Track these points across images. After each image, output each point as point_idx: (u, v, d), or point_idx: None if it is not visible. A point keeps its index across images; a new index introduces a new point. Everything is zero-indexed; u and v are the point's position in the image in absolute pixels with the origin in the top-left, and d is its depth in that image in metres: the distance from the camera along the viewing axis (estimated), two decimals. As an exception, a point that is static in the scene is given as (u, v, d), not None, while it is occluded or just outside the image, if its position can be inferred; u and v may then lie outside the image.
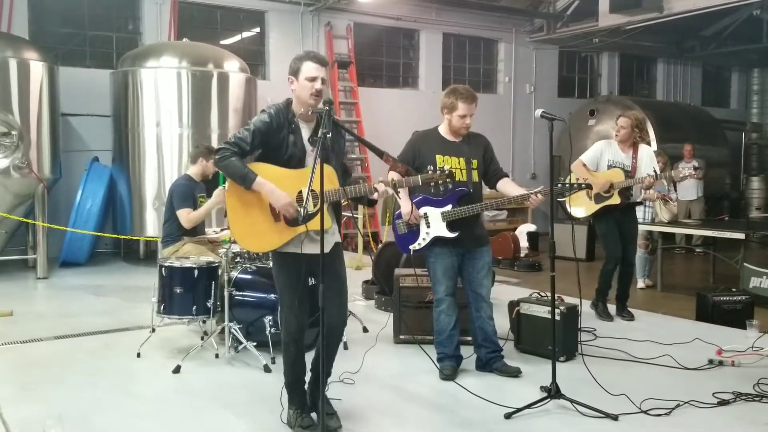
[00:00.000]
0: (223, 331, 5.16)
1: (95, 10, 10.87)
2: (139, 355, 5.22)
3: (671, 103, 16.52)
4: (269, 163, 3.62)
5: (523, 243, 11.02)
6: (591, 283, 6.45)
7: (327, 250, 3.66)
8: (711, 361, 5.03)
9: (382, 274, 6.69)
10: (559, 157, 10.61)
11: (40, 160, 8.84)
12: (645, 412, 4.06)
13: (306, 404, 3.82)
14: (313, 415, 3.78)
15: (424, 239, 4.75)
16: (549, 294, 4.42)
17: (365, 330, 5.92)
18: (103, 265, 9.71)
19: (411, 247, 4.81)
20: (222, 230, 6.00)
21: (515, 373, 4.75)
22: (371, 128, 12.17)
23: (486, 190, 4.98)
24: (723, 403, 4.22)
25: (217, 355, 5.13)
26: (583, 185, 4.91)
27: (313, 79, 3.57)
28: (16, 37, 9.40)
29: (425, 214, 4.74)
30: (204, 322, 5.54)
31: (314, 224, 3.49)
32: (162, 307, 5.22)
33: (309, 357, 3.82)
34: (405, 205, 4.77)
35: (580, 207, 6.24)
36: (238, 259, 5.62)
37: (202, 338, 5.44)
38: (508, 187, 4.82)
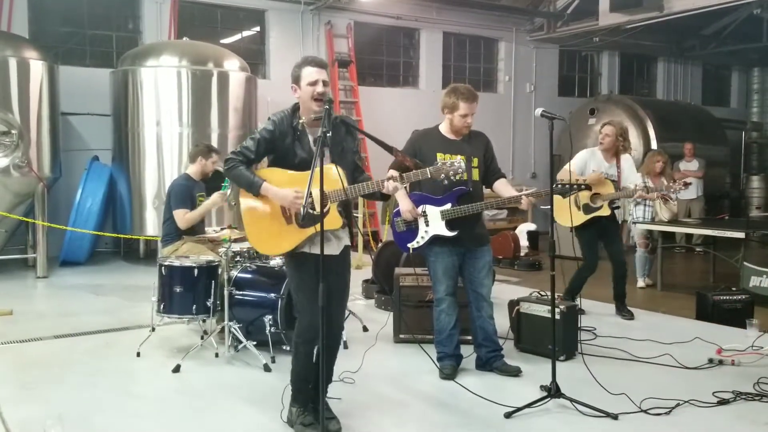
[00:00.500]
0: (222, 330, 5.16)
1: (95, 9, 10.86)
2: (138, 354, 5.22)
3: (671, 102, 16.51)
4: (280, 168, 3.70)
5: (524, 242, 11.01)
6: (591, 282, 6.44)
7: (337, 252, 3.71)
8: (711, 361, 5.03)
9: (382, 274, 6.69)
10: (559, 156, 10.62)
11: (40, 159, 8.84)
12: (645, 411, 4.06)
13: (309, 403, 3.82)
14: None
15: (422, 237, 4.75)
16: (549, 293, 4.42)
17: (365, 329, 5.92)
18: (103, 264, 9.71)
19: (409, 245, 4.81)
20: (222, 229, 5.99)
21: (515, 372, 4.75)
22: (371, 127, 12.12)
23: (486, 190, 4.97)
24: (723, 402, 4.22)
25: (217, 355, 5.13)
26: (582, 185, 4.92)
27: (314, 83, 3.61)
28: (16, 36, 9.40)
29: (424, 212, 4.74)
30: (204, 321, 5.54)
31: (327, 224, 3.51)
32: (162, 306, 5.22)
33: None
34: (404, 203, 4.76)
35: (565, 217, 6.13)
36: (237, 258, 5.62)
37: (202, 337, 5.44)
38: (502, 188, 4.83)
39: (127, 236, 9.64)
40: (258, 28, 12.33)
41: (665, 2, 11.75)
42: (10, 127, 8.43)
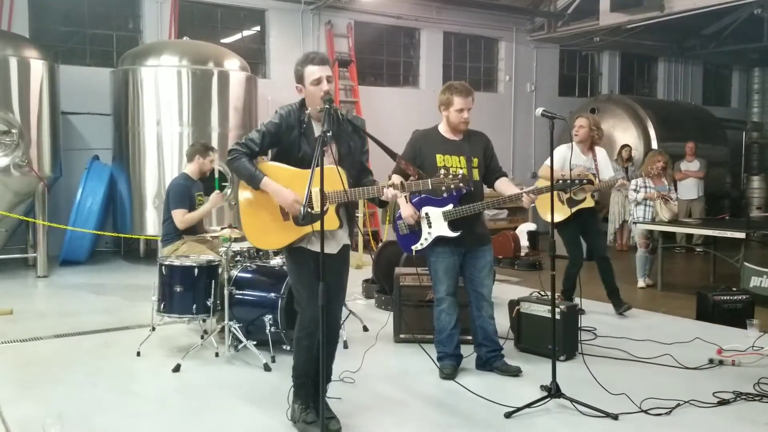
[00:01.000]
0: (223, 329, 5.15)
1: (95, 9, 10.87)
2: (139, 353, 5.21)
3: (672, 102, 16.51)
4: (283, 163, 3.68)
5: (524, 242, 11.00)
6: (591, 282, 6.44)
7: (335, 251, 3.71)
8: (711, 361, 5.02)
9: (382, 273, 6.70)
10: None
11: (41, 158, 8.84)
12: (645, 411, 4.05)
13: (311, 401, 3.82)
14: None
15: (426, 239, 4.75)
16: (549, 293, 4.42)
17: (365, 329, 5.91)
18: (103, 263, 9.71)
19: (413, 247, 4.80)
20: (222, 229, 5.98)
21: (515, 372, 4.75)
22: (372, 127, 11.90)
23: (487, 190, 4.97)
24: (723, 402, 4.22)
25: (217, 354, 5.13)
26: (584, 180, 4.93)
27: (318, 82, 3.60)
28: (16, 35, 9.40)
29: (426, 214, 4.74)
30: (204, 320, 5.54)
31: (325, 224, 3.49)
32: (162, 305, 5.22)
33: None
34: (405, 208, 4.77)
35: (555, 212, 6.14)
36: (238, 258, 5.62)
37: (202, 337, 5.44)
38: (504, 186, 4.83)
39: (127, 236, 9.65)
40: (258, 28, 12.33)
41: (666, 2, 11.74)
42: (11, 126, 8.43)
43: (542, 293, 5.51)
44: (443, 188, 3.67)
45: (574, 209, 6.24)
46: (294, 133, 3.65)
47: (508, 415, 4.00)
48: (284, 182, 3.60)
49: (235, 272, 5.34)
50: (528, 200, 4.68)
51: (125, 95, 9.49)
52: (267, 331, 5.03)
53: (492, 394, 4.27)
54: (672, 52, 16.44)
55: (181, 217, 5.79)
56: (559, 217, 6.20)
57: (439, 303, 4.77)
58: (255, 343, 5.03)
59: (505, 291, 7.04)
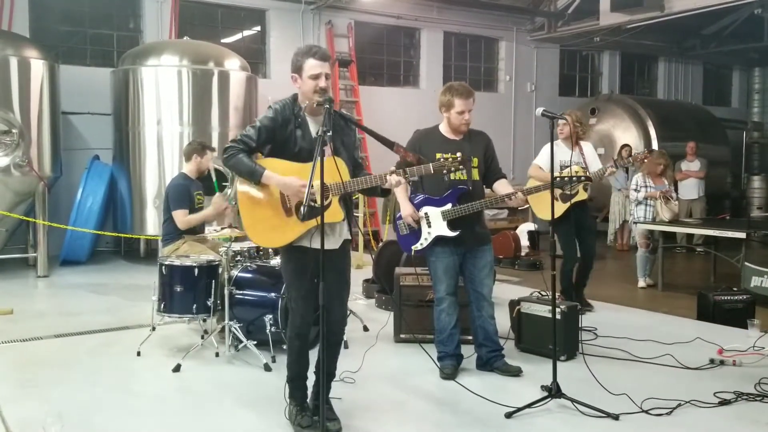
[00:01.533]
0: (223, 329, 5.15)
1: (96, 8, 10.87)
2: (139, 353, 5.21)
3: (672, 101, 16.51)
4: (279, 158, 3.63)
5: (524, 242, 10.99)
6: (592, 282, 6.44)
7: (336, 246, 3.67)
8: (712, 361, 5.02)
9: (382, 273, 6.69)
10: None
11: (41, 158, 8.84)
12: (646, 411, 4.05)
13: (306, 402, 3.81)
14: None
15: (426, 239, 4.74)
16: (550, 293, 4.42)
17: (366, 329, 5.91)
18: (104, 263, 9.71)
19: (413, 247, 4.80)
20: (222, 229, 5.98)
21: (516, 372, 4.75)
22: (372, 127, 11.93)
23: (487, 190, 4.96)
24: (724, 402, 4.21)
25: (217, 354, 5.13)
26: (582, 178, 4.92)
27: (316, 77, 3.56)
28: (16, 35, 9.40)
29: (426, 214, 4.73)
30: (204, 320, 5.53)
31: (328, 217, 3.48)
32: (162, 305, 5.22)
33: (313, 356, 3.81)
34: (405, 207, 4.77)
35: (548, 209, 6.14)
36: (238, 258, 5.62)
37: (203, 337, 5.43)
38: (501, 188, 4.82)
39: (127, 235, 9.65)
40: (258, 28, 12.34)
41: (666, 2, 11.75)
42: (11, 126, 8.42)
43: (542, 293, 5.51)
44: (444, 171, 3.70)
45: (569, 203, 6.23)
46: (290, 127, 3.61)
47: (508, 415, 3.99)
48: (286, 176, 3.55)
49: (235, 272, 5.34)
50: (519, 201, 4.66)
51: (125, 95, 9.49)
52: (267, 331, 5.03)
53: (492, 394, 4.26)
54: (672, 52, 16.44)
55: (182, 218, 5.77)
56: (555, 213, 6.21)
57: (440, 303, 4.77)
58: (255, 343, 5.03)
59: (505, 291, 7.04)
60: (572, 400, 4.07)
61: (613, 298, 7.37)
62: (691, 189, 11.37)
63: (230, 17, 12.13)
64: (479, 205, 4.70)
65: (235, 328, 5.08)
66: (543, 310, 5.10)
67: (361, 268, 8.87)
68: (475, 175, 4.76)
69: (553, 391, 4.13)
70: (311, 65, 3.57)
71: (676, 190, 9.42)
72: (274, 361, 4.91)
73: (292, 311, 3.72)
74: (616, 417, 3.95)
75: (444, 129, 4.82)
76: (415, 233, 4.79)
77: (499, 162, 4.97)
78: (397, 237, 5.02)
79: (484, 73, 14.77)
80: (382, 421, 4.02)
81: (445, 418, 4.07)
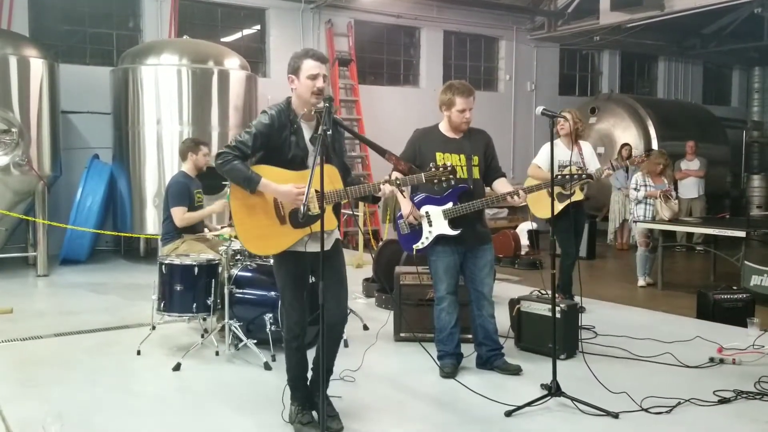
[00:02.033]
0: (223, 328, 5.15)
1: (95, 7, 10.87)
2: (139, 352, 5.21)
3: (672, 101, 16.51)
4: (271, 165, 3.60)
5: (524, 241, 10.99)
6: (592, 281, 6.44)
7: (328, 247, 3.66)
8: (712, 359, 5.02)
9: (382, 272, 6.69)
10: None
11: (41, 157, 8.83)
12: (646, 410, 4.05)
13: (307, 401, 3.82)
14: (315, 413, 3.77)
15: (427, 238, 4.74)
16: (549, 292, 4.42)
17: (366, 328, 5.91)
18: (104, 262, 9.71)
19: (414, 246, 4.79)
20: (222, 227, 5.99)
21: (516, 370, 4.75)
22: (372, 126, 12.16)
23: (486, 189, 4.96)
24: (724, 401, 4.22)
25: (217, 353, 5.13)
26: (584, 176, 4.92)
27: (314, 77, 3.54)
28: (16, 34, 9.39)
29: (427, 213, 4.73)
30: (204, 319, 5.53)
31: (319, 224, 3.47)
32: (162, 304, 5.22)
33: (311, 354, 3.81)
34: (405, 206, 4.76)
35: (546, 208, 6.16)
36: (238, 257, 5.61)
37: (203, 336, 5.42)
38: (500, 187, 4.82)
39: (127, 234, 9.64)
40: (258, 27, 12.33)
41: (666, 1, 11.74)
42: (11, 125, 8.42)
43: (542, 292, 5.51)
44: (435, 180, 3.70)
45: (565, 203, 6.24)
46: (284, 134, 3.57)
47: (508, 414, 3.99)
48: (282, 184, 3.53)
49: (235, 271, 5.34)
50: (517, 200, 4.65)
51: (125, 94, 9.48)
52: (267, 329, 5.03)
53: (492, 392, 4.27)
54: (672, 51, 16.44)
55: (181, 215, 5.78)
56: (549, 214, 6.23)
57: (440, 302, 4.77)
58: (255, 341, 5.03)
59: (505, 290, 7.04)
60: (572, 399, 4.07)
61: (613, 297, 7.38)
62: (690, 188, 11.37)
63: (230, 16, 12.12)
64: (480, 204, 4.70)
65: (235, 327, 5.08)
66: (543, 309, 5.11)
67: (361, 267, 8.88)
68: (476, 173, 4.76)
69: (553, 390, 4.13)
70: (309, 66, 3.56)
71: (675, 189, 9.43)
72: (274, 359, 4.92)
73: (287, 315, 3.72)
74: (615, 415, 3.95)
75: (444, 128, 4.82)
76: (416, 232, 4.79)
77: (499, 161, 4.96)
78: (398, 236, 5.02)
79: (484, 72, 14.77)
80: (381, 419, 4.02)
81: (445, 417, 4.08)
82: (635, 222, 8.59)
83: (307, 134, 3.63)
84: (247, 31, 12.38)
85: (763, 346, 5.17)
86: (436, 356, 4.77)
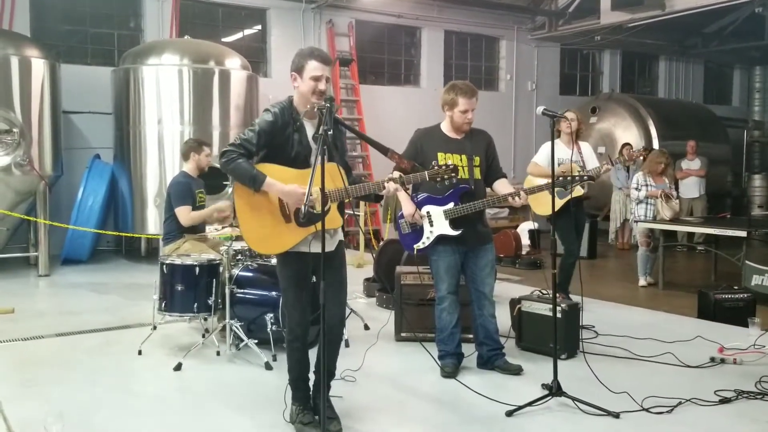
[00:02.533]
0: (224, 328, 5.16)
1: (97, 8, 10.88)
2: (140, 352, 5.22)
3: (673, 100, 16.50)
4: (274, 163, 3.60)
5: (525, 240, 10.99)
6: (592, 280, 6.44)
7: (332, 248, 3.67)
8: (713, 359, 5.02)
9: (383, 272, 6.69)
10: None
11: (42, 157, 8.84)
12: (646, 410, 4.05)
13: (309, 401, 3.82)
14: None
15: (428, 238, 4.74)
16: (550, 292, 4.42)
17: (366, 327, 5.91)
18: (105, 262, 9.71)
19: (415, 246, 4.80)
20: (223, 227, 5.99)
21: (516, 370, 4.75)
22: (373, 126, 12.15)
23: (487, 189, 4.96)
24: (725, 401, 4.22)
25: (218, 353, 5.13)
26: (585, 176, 4.92)
27: (317, 79, 3.55)
28: (17, 34, 9.40)
29: (428, 213, 4.73)
30: (205, 319, 5.54)
31: (328, 223, 3.48)
32: (163, 304, 5.23)
33: (312, 355, 3.81)
34: (406, 206, 4.76)
35: (546, 205, 6.19)
36: (239, 257, 5.62)
37: (204, 336, 5.43)
38: (501, 188, 4.82)
39: (128, 234, 9.65)
40: (259, 27, 12.33)
41: (667, 0, 11.74)
42: (12, 125, 8.43)
43: (543, 292, 5.51)
44: (438, 178, 3.73)
45: (565, 200, 6.24)
46: (287, 131, 3.58)
47: (509, 414, 3.99)
48: (285, 183, 3.53)
49: (236, 271, 5.34)
50: (518, 200, 4.65)
51: (126, 94, 9.49)
52: (268, 329, 5.03)
53: (493, 392, 4.27)
54: (673, 50, 16.43)
55: (186, 214, 5.77)
56: (549, 211, 6.23)
57: (441, 302, 4.77)
58: (256, 341, 5.03)
59: (506, 289, 7.04)
60: (573, 399, 4.08)
61: (614, 297, 7.38)
62: (691, 187, 11.36)
63: (231, 16, 12.13)
64: (481, 204, 4.70)
65: (236, 327, 5.08)
66: (544, 309, 5.11)
67: (362, 267, 8.88)
68: (477, 174, 4.76)
69: (554, 390, 4.13)
70: (313, 67, 3.57)
71: (676, 188, 9.42)
72: (275, 359, 4.92)
73: (289, 316, 3.73)
74: (616, 415, 3.95)
75: (446, 127, 4.82)
76: (417, 232, 4.79)
77: (500, 161, 4.96)
78: (399, 236, 5.02)
79: (484, 71, 14.76)
80: (382, 419, 4.02)
81: (445, 417, 4.08)
82: (636, 222, 8.58)
83: (309, 132, 3.63)
84: (248, 31, 12.38)
85: (764, 346, 5.17)
86: (436, 356, 4.77)
